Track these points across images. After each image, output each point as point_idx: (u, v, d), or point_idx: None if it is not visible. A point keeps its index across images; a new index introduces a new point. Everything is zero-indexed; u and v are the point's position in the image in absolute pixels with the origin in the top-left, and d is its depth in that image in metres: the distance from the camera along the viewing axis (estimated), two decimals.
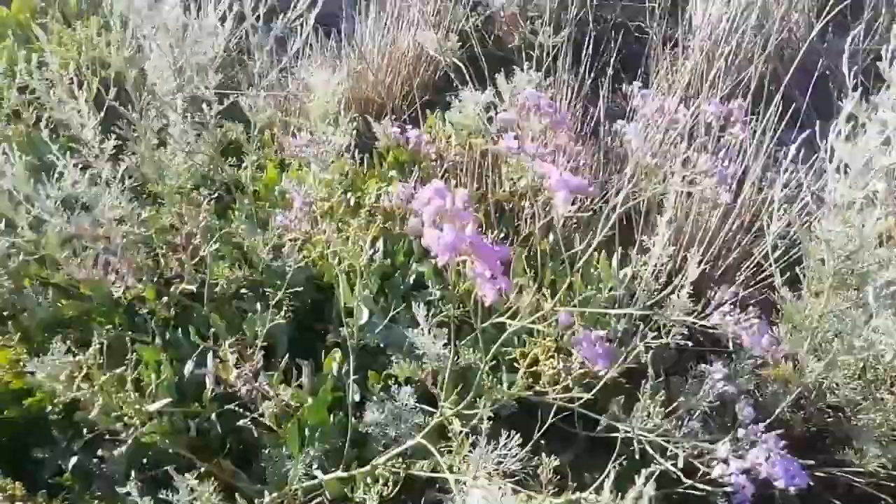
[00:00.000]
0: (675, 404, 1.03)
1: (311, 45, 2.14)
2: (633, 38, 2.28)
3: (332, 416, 1.16)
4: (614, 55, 1.85)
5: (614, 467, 0.86)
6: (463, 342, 1.12)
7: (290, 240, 1.34)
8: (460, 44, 1.92)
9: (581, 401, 0.95)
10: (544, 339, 0.92)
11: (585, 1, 1.92)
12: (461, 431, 0.99)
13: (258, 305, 1.29)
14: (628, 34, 2.25)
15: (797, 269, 1.41)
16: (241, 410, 1.11)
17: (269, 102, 1.82)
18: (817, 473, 1.20)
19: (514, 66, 1.70)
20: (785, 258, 1.48)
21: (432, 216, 0.56)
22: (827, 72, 2.01)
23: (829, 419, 1.39)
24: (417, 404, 1.16)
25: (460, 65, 1.87)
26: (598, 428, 1.19)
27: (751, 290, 1.56)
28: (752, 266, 1.53)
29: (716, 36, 1.88)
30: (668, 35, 2.06)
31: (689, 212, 1.41)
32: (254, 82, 1.97)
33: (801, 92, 1.95)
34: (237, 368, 1.06)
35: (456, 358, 1.17)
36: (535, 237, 1.38)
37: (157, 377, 1.08)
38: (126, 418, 0.94)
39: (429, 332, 1.11)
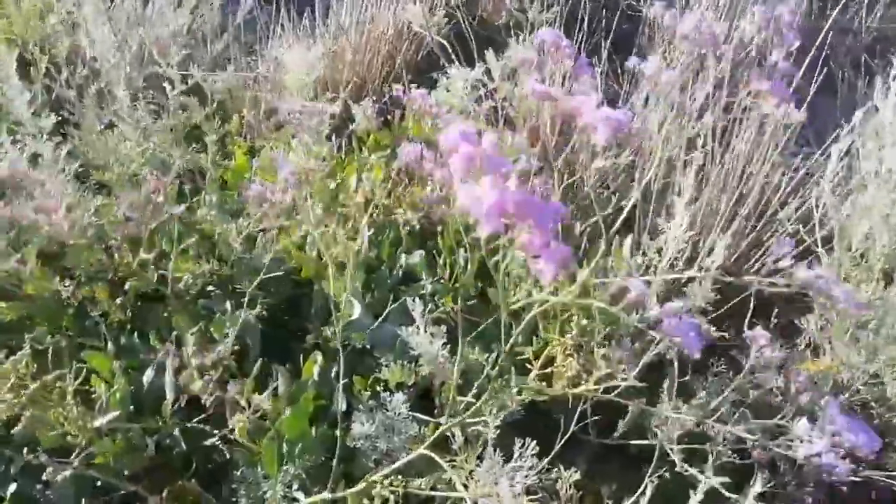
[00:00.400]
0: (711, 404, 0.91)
1: (282, 24, 1.99)
2: (624, 18, 2.17)
3: (314, 428, 1.01)
4: (607, 35, 1.74)
5: (651, 481, 0.74)
6: (467, 339, 0.98)
7: (263, 230, 1.20)
8: (447, 19, 1.79)
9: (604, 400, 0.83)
10: (562, 336, 0.79)
11: None
12: (466, 440, 0.86)
13: (227, 304, 1.14)
14: (620, 14, 2.14)
15: (821, 251, 1.30)
16: (207, 427, 0.96)
17: (240, 82, 1.67)
18: (854, 479, 1.10)
19: (502, 46, 1.57)
20: (798, 245, 1.38)
21: (464, 167, 0.41)
22: (827, 51, 1.93)
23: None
24: (412, 413, 1.02)
25: (445, 43, 1.73)
26: (615, 434, 1.07)
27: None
28: (767, 252, 1.42)
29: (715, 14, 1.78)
30: (663, 13, 1.96)
31: (700, 195, 1.30)
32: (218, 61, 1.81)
33: (802, 71, 1.87)
34: (203, 375, 0.91)
35: (453, 358, 1.03)
36: None
37: (109, 388, 0.93)
38: (69, 437, 0.78)
39: (425, 331, 0.97)
